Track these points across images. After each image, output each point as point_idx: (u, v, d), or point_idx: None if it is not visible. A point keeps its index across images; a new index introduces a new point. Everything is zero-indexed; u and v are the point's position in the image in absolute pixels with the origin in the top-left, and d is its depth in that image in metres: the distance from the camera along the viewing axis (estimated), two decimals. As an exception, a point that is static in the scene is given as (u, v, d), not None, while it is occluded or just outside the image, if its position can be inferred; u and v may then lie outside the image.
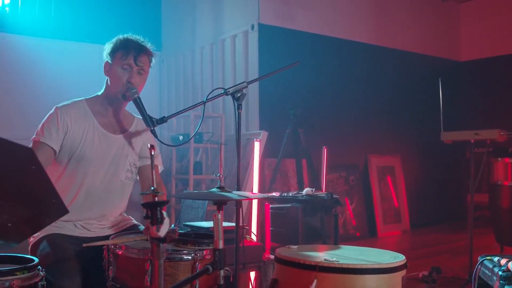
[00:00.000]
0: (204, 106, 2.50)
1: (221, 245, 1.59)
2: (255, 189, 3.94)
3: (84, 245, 1.80)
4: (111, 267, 1.88)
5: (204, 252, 1.87)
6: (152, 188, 1.24)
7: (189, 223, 3.04)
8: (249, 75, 5.89)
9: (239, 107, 2.61)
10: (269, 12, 5.79)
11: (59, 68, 6.25)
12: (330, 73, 6.31)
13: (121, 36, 2.40)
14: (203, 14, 6.73)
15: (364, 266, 1.55)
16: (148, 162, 2.54)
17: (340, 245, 2.02)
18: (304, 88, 6.02)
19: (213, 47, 6.50)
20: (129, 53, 2.33)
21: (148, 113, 2.30)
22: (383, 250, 1.93)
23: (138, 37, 2.42)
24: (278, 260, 1.77)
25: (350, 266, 1.55)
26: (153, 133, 2.31)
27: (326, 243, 3.57)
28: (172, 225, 1.28)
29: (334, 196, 3.63)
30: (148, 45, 2.42)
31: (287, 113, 5.29)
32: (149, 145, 1.34)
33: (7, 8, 6.64)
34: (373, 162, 6.61)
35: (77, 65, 6.61)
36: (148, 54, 2.40)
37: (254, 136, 5.70)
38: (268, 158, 5.67)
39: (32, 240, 2.29)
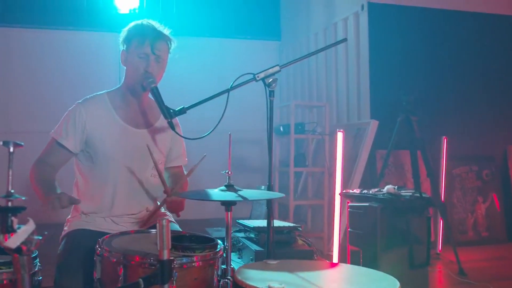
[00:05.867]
0: (228, 94, 2.27)
1: (165, 255, 1.36)
2: (338, 185, 3.58)
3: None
4: (97, 268, 1.77)
5: (194, 258, 1.66)
6: (12, 191, 1.07)
7: (241, 221, 2.85)
8: (360, 58, 5.44)
9: (271, 94, 2.32)
10: (381, -11, 5.26)
11: (182, 64, 6.44)
12: (454, 52, 5.49)
13: (135, 22, 2.27)
14: (317, -2, 6.41)
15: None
16: (174, 164, 2.45)
17: (343, 264, 1.61)
18: (421, 71, 5.36)
19: (326, 32, 6.16)
20: (145, 40, 2.18)
21: (166, 105, 2.16)
22: (385, 275, 1.47)
23: (154, 22, 2.26)
24: (233, 279, 1.47)
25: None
26: (170, 125, 2.15)
27: (413, 250, 3.08)
28: (38, 236, 1.09)
29: (423, 196, 3.11)
30: (165, 31, 2.26)
31: (399, 99, 4.74)
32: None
33: (137, 10, 7.15)
34: (514, 154, 5.63)
35: (198, 60, 6.83)
36: (166, 40, 2.24)
37: (364, 126, 5.25)
38: (381, 149, 5.16)
39: (62, 232, 2.30)
